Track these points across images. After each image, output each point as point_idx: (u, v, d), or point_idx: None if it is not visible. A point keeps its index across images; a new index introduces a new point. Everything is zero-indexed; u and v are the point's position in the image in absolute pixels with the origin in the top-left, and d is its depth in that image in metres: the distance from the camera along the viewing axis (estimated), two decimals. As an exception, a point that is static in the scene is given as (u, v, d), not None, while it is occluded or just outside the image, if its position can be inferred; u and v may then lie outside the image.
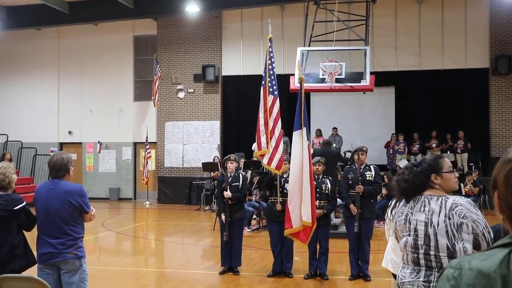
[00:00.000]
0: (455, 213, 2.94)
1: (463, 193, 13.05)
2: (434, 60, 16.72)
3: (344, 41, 12.87)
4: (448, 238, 2.93)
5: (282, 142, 7.37)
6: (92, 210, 4.49)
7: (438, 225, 2.95)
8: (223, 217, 7.69)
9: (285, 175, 7.50)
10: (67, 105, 19.45)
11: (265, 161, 7.31)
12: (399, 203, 3.24)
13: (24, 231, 4.58)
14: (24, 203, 4.52)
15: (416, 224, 3.02)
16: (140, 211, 16.78)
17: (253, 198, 12.67)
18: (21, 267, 4.46)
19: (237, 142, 17.88)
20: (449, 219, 2.94)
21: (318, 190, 7.33)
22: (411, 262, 3.07)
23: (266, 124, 7.26)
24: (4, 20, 18.01)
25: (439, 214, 2.97)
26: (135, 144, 19.10)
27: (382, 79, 13.86)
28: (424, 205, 3.03)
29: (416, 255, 3.02)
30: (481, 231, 2.93)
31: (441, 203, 3.00)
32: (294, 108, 7.05)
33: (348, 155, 14.39)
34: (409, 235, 3.05)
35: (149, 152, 17.74)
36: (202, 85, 18.18)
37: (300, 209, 6.68)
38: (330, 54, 12.07)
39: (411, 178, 3.09)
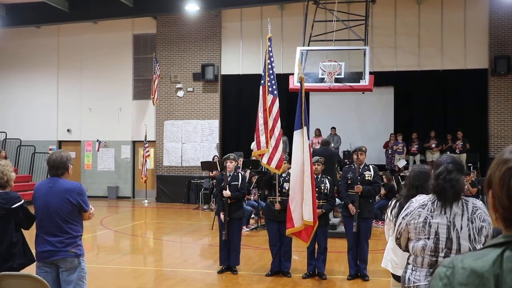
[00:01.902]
0: (477, 217, 2.95)
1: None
2: (433, 60, 16.72)
3: (344, 41, 12.87)
4: (470, 241, 2.93)
5: (281, 141, 7.36)
6: (91, 208, 4.49)
7: (461, 228, 2.94)
8: (222, 216, 7.70)
9: (283, 175, 7.51)
10: (66, 103, 19.44)
11: (264, 160, 7.29)
12: (398, 203, 3.20)
13: (22, 229, 4.59)
14: (22, 201, 4.51)
15: (438, 227, 2.98)
16: (138, 209, 16.77)
17: (251, 197, 12.68)
18: (20, 265, 4.47)
19: (236, 141, 17.89)
20: (472, 222, 2.94)
21: (317, 189, 7.33)
22: (427, 265, 3.03)
23: (265, 123, 7.25)
24: (3, 18, 17.98)
25: (462, 217, 2.95)
26: (134, 142, 19.09)
27: (381, 79, 13.87)
28: (445, 208, 3.00)
29: (434, 259, 2.99)
30: (491, 233, 2.97)
31: (463, 206, 2.98)
32: (293, 108, 7.06)
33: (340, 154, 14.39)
34: (429, 238, 3.00)
35: (148, 151, 17.74)
36: (201, 84, 18.18)
37: (302, 208, 6.68)
38: (329, 53, 12.08)
39: (459, 183, 2.99)
